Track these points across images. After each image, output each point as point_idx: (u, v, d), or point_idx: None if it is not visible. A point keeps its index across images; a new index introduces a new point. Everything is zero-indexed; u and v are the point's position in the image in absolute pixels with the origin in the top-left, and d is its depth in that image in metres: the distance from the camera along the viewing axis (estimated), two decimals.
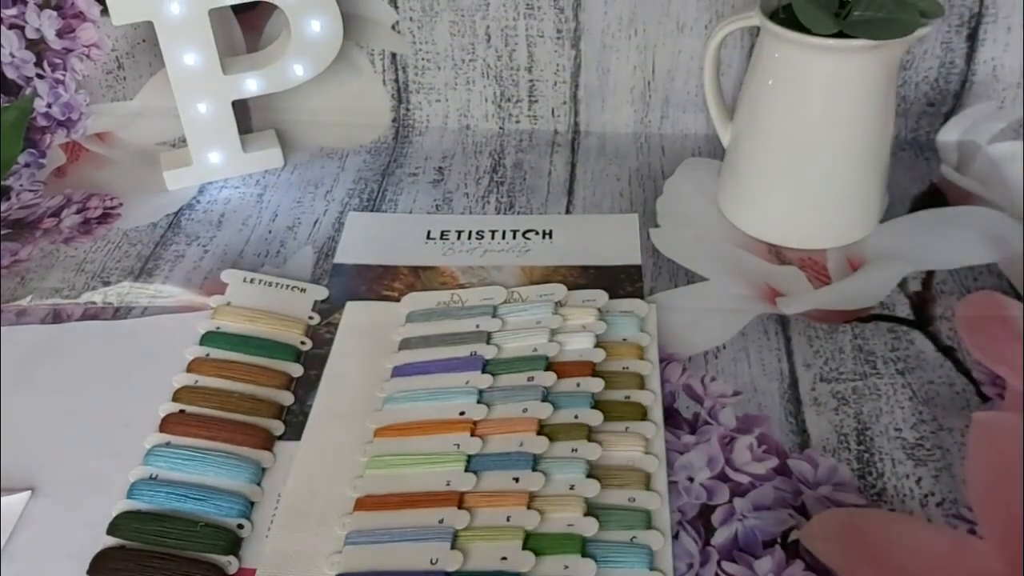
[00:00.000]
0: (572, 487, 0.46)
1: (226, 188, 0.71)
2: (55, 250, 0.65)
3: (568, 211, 0.68)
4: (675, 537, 0.45)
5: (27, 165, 0.74)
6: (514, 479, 0.47)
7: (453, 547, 0.44)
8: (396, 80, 0.77)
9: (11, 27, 0.73)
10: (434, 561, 0.43)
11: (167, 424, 0.51)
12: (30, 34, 0.73)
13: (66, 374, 0.55)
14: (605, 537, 0.44)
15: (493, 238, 0.65)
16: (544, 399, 0.51)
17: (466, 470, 0.48)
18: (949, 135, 0.74)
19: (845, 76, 0.57)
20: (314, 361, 0.55)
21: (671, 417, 0.51)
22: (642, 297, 0.59)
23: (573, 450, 0.48)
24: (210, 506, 0.46)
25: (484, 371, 0.53)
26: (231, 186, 0.72)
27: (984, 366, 0.54)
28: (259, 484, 0.48)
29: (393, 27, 0.75)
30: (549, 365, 0.53)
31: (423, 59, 0.76)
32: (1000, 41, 0.70)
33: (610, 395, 0.51)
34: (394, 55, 0.76)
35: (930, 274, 0.60)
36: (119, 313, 0.59)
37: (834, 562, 0.43)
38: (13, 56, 0.73)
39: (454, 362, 0.54)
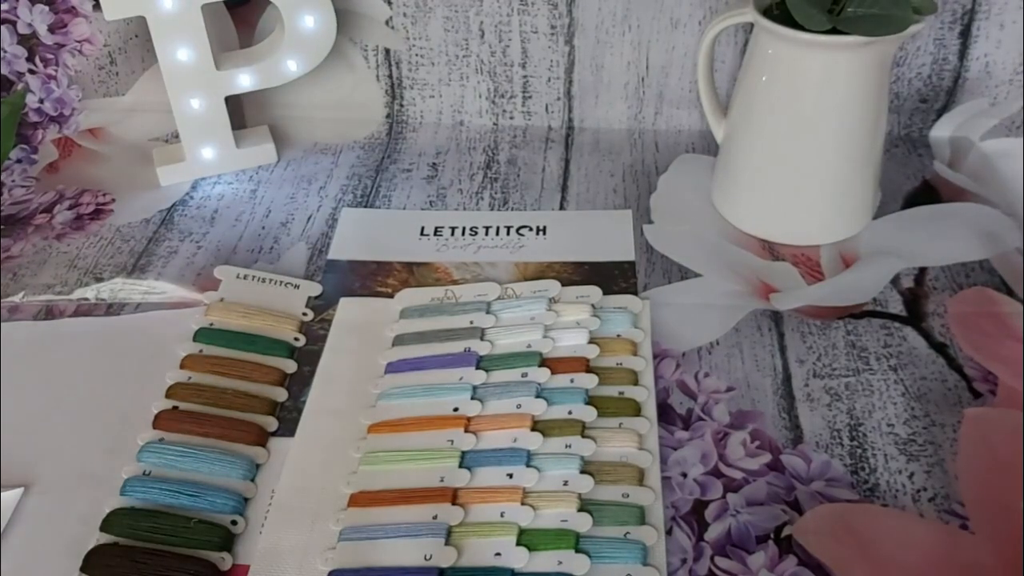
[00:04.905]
0: (566, 483, 0.46)
1: (219, 184, 0.71)
2: (47, 246, 0.65)
3: (562, 207, 0.68)
4: (668, 533, 0.45)
5: (19, 161, 0.73)
6: (508, 475, 0.47)
7: (447, 543, 0.44)
8: (390, 76, 0.77)
9: (3, 22, 0.72)
10: (428, 557, 0.43)
11: (160, 420, 0.50)
12: (22, 29, 0.73)
13: (59, 371, 0.54)
14: (599, 533, 0.44)
15: (487, 234, 0.65)
16: (538, 395, 0.51)
17: (460, 466, 0.48)
18: (942, 131, 0.74)
19: (838, 72, 0.57)
20: (308, 357, 0.55)
21: (665, 413, 0.51)
22: (636, 293, 0.59)
23: (567, 446, 0.48)
24: (204, 502, 0.46)
25: (478, 367, 0.53)
26: (224, 182, 0.71)
27: (976, 362, 0.54)
28: (253, 480, 0.48)
29: (387, 23, 0.75)
30: (543, 361, 0.53)
31: (417, 55, 0.76)
32: (993, 38, 0.70)
33: (604, 391, 0.51)
34: (388, 51, 0.76)
35: (923, 270, 0.61)
36: (112, 309, 0.59)
37: (827, 557, 0.44)
38: (5, 51, 0.73)
39: (448, 358, 0.54)
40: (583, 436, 0.49)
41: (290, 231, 0.66)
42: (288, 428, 0.51)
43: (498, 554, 0.44)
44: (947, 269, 0.61)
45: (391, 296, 0.60)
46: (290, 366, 0.55)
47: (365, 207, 0.69)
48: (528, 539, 0.44)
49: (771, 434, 0.50)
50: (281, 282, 0.61)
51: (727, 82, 0.74)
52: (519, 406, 0.50)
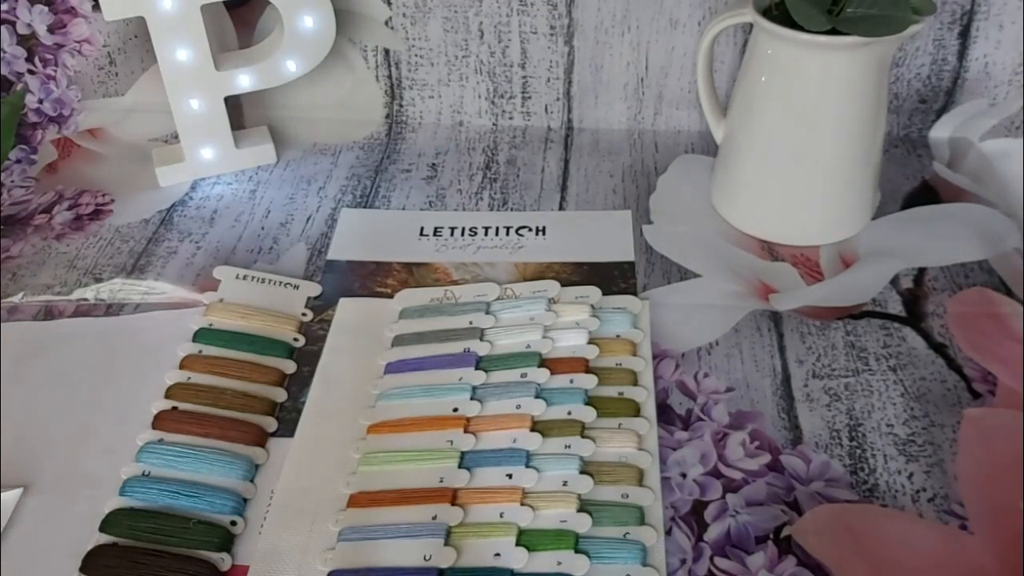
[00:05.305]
0: (565, 483, 0.46)
1: (219, 184, 0.71)
2: (47, 247, 0.65)
3: (561, 208, 0.68)
4: (668, 533, 0.45)
5: (18, 161, 0.73)
6: (507, 475, 0.47)
7: (446, 543, 0.44)
8: (389, 76, 0.77)
9: (2, 22, 0.72)
10: (427, 557, 0.43)
11: (160, 421, 0.50)
12: (21, 30, 0.73)
13: (58, 371, 0.54)
14: (598, 533, 0.44)
15: (486, 234, 0.65)
16: (537, 395, 0.51)
17: (459, 466, 0.48)
18: (941, 132, 0.74)
19: (838, 73, 0.57)
20: (307, 358, 0.55)
21: (664, 413, 0.51)
22: (635, 293, 0.59)
23: (566, 446, 0.48)
24: (203, 503, 0.46)
25: (477, 367, 0.53)
26: (224, 182, 0.71)
27: (975, 363, 0.54)
28: (252, 481, 0.48)
29: (386, 23, 0.75)
30: (542, 362, 0.53)
31: (416, 55, 0.76)
32: (992, 38, 0.70)
33: (603, 391, 0.51)
34: (387, 51, 0.76)
35: (922, 271, 0.61)
36: (111, 310, 0.59)
37: (826, 558, 0.44)
38: (4, 52, 0.73)
39: (447, 358, 0.54)
40: (582, 436, 0.49)
41: (289, 231, 0.66)
42: (287, 428, 0.51)
43: (497, 554, 0.44)
44: (946, 269, 0.61)
45: (390, 296, 0.60)
46: (289, 366, 0.55)
47: (364, 207, 0.69)
48: (527, 539, 0.44)
49: (770, 434, 0.50)
50: (280, 282, 0.61)
51: (726, 83, 0.74)
52: (518, 406, 0.50)
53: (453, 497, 0.46)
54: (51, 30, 0.73)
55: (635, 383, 0.52)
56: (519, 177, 0.72)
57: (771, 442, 0.50)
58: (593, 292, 0.58)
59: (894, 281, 0.60)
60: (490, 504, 0.46)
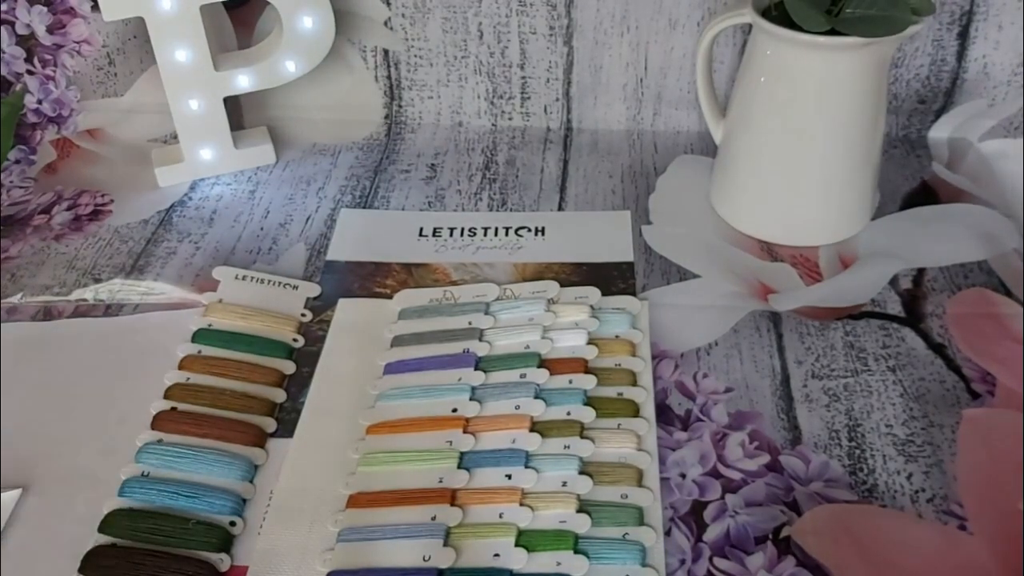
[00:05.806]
0: (564, 484, 0.46)
1: (218, 185, 0.71)
2: (46, 247, 0.65)
3: (560, 208, 0.68)
4: (667, 533, 0.45)
5: (17, 161, 0.73)
6: (506, 476, 0.47)
7: (445, 544, 0.44)
8: (388, 77, 0.77)
9: (2, 23, 0.72)
10: (427, 558, 0.43)
11: (159, 421, 0.50)
12: (20, 30, 0.73)
13: (57, 372, 0.54)
14: (597, 533, 0.44)
15: (486, 235, 0.65)
16: (536, 396, 0.51)
17: (458, 467, 0.48)
18: (940, 132, 0.74)
19: (837, 73, 0.57)
20: (306, 358, 0.55)
21: (663, 413, 0.51)
22: (634, 294, 0.59)
23: (565, 447, 0.48)
24: (202, 503, 0.46)
25: (476, 368, 0.53)
26: (223, 183, 0.71)
27: (974, 363, 0.54)
28: (251, 481, 0.48)
29: (385, 23, 0.75)
30: (541, 362, 0.53)
31: (415, 55, 0.76)
32: (991, 39, 0.70)
33: (602, 392, 0.51)
34: (386, 51, 0.76)
35: (921, 271, 0.61)
36: (110, 310, 0.59)
37: (825, 558, 0.44)
38: (3, 52, 0.73)
39: (446, 359, 0.54)
40: (582, 437, 0.49)
41: (289, 232, 0.66)
42: (287, 429, 0.51)
43: (497, 555, 0.43)
44: (945, 270, 0.61)
45: (390, 297, 0.60)
46: (289, 367, 0.55)
47: (364, 208, 0.69)
48: (527, 540, 0.44)
49: (770, 435, 0.50)
50: (280, 283, 0.61)
51: (726, 83, 0.74)
52: (518, 407, 0.50)
53: (452, 497, 0.46)
54: (50, 30, 0.73)
55: (634, 383, 0.52)
56: (518, 177, 0.72)
57: (770, 442, 0.50)
58: (592, 292, 0.58)
59: (893, 281, 0.60)
60: (489, 504, 0.46)
